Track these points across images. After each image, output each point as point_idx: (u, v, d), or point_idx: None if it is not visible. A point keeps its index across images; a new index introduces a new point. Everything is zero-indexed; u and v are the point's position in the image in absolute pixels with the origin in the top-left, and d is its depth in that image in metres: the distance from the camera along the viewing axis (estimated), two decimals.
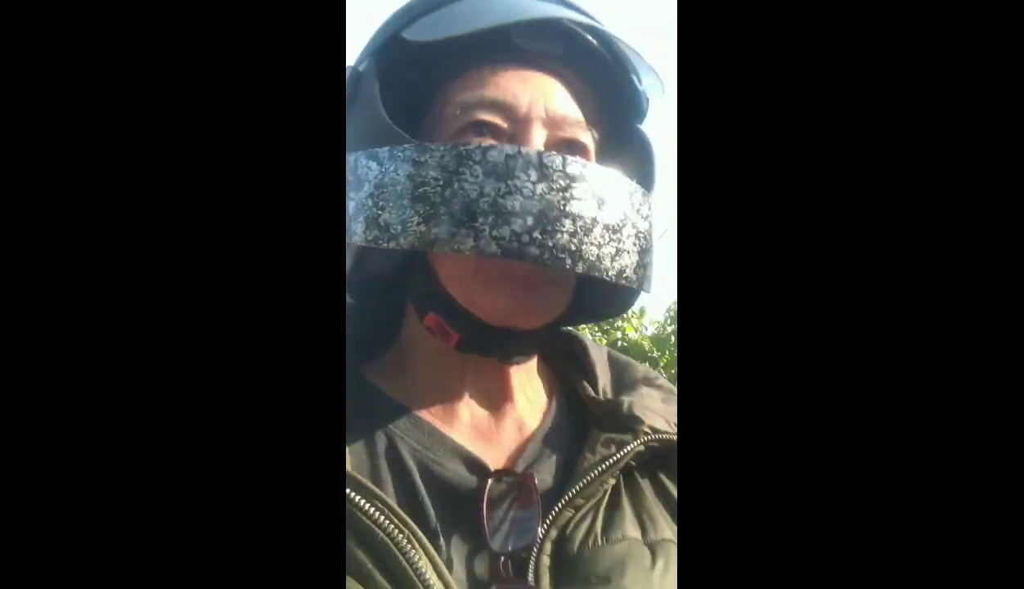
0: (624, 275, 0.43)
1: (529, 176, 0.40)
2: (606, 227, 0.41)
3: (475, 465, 0.44)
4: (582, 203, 0.41)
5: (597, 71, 0.49)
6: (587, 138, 0.48)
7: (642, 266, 0.44)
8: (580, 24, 0.47)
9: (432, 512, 0.41)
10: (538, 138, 0.45)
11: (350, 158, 0.45)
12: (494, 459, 0.45)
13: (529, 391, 0.51)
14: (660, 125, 0.56)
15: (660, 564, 0.42)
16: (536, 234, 0.39)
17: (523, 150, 0.41)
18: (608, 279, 0.42)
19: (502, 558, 0.41)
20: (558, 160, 0.41)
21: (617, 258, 0.42)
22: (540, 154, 0.41)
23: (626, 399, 0.50)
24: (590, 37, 0.48)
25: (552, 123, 0.46)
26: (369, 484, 0.40)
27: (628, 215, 0.43)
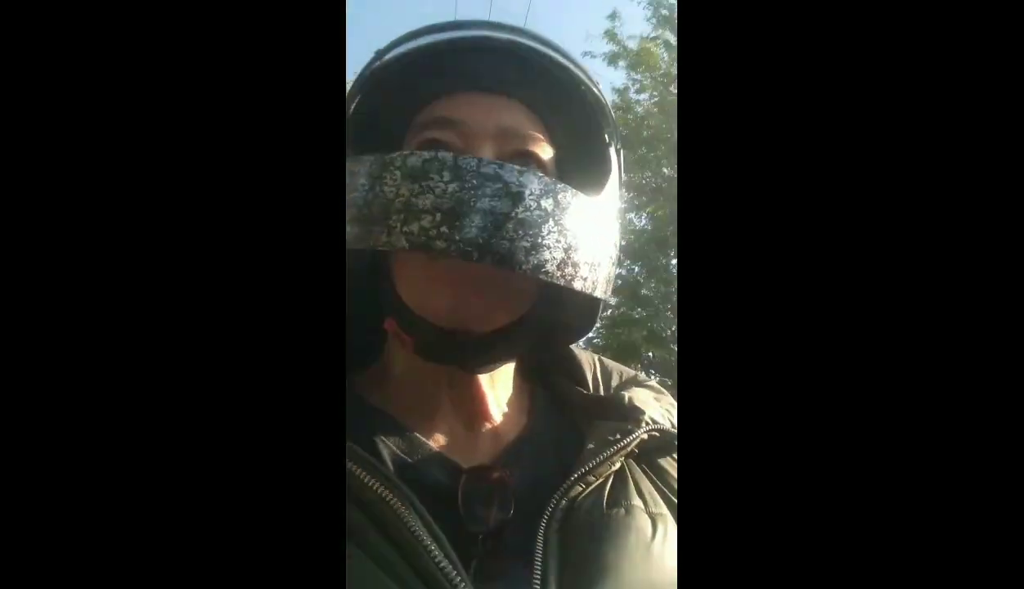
0: (543, 270, 0.43)
1: (443, 177, 0.42)
2: (520, 222, 0.42)
3: (451, 467, 0.46)
4: (494, 200, 0.42)
5: (557, 93, 0.51)
6: (541, 150, 0.50)
7: (570, 263, 0.45)
8: (530, 48, 0.50)
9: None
10: (487, 151, 0.47)
11: None
12: (470, 462, 0.47)
13: (505, 402, 0.53)
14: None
15: (660, 531, 0.44)
16: (443, 228, 0.41)
17: (440, 154, 0.43)
18: (523, 273, 0.43)
19: (480, 536, 0.43)
20: (473, 162, 0.43)
21: (534, 253, 0.43)
22: (456, 157, 0.43)
23: (625, 394, 0.53)
24: (547, 64, 0.51)
25: (502, 137, 0.48)
26: (368, 457, 0.42)
27: (550, 212, 0.44)
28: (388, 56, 0.51)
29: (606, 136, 0.54)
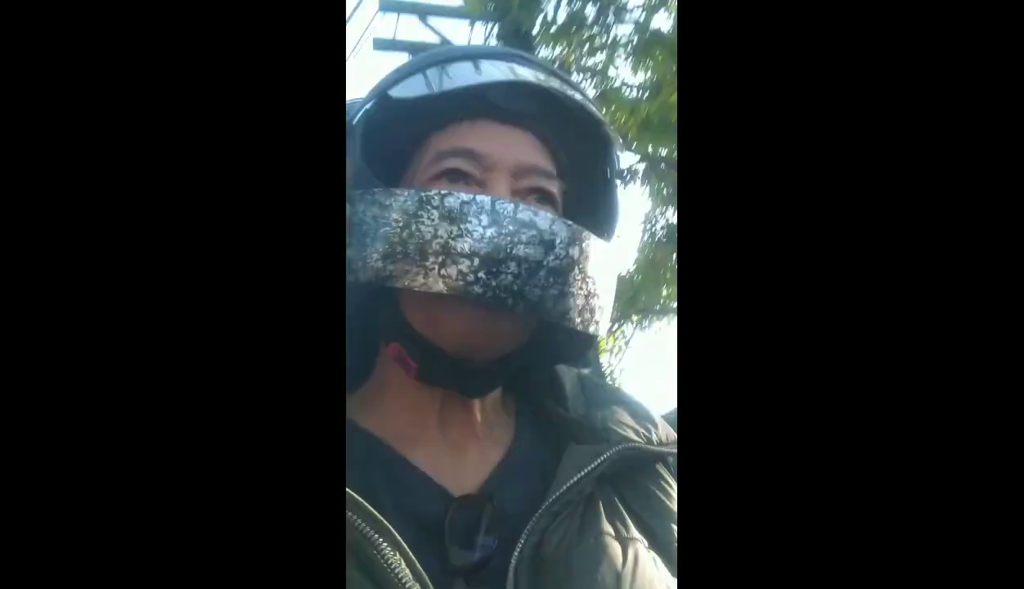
0: (567, 317, 0.45)
1: (480, 221, 0.43)
2: (551, 270, 0.44)
3: (440, 493, 0.46)
4: (529, 247, 0.43)
5: (568, 128, 0.53)
6: (554, 187, 0.51)
7: (588, 309, 0.47)
8: (553, 87, 0.50)
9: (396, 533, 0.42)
10: (504, 185, 0.48)
11: None
12: (459, 488, 0.47)
13: (494, 424, 0.53)
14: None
15: (630, 557, 0.44)
16: (481, 274, 0.42)
17: (478, 197, 0.44)
18: (549, 319, 0.45)
19: (463, 571, 0.43)
20: (510, 207, 0.44)
21: (560, 301, 0.45)
22: (493, 201, 0.44)
23: (599, 414, 0.53)
24: (562, 99, 0.51)
25: (519, 172, 0.49)
26: (354, 495, 0.41)
27: (576, 260, 0.45)
28: (412, 77, 0.50)
29: (608, 172, 0.55)
